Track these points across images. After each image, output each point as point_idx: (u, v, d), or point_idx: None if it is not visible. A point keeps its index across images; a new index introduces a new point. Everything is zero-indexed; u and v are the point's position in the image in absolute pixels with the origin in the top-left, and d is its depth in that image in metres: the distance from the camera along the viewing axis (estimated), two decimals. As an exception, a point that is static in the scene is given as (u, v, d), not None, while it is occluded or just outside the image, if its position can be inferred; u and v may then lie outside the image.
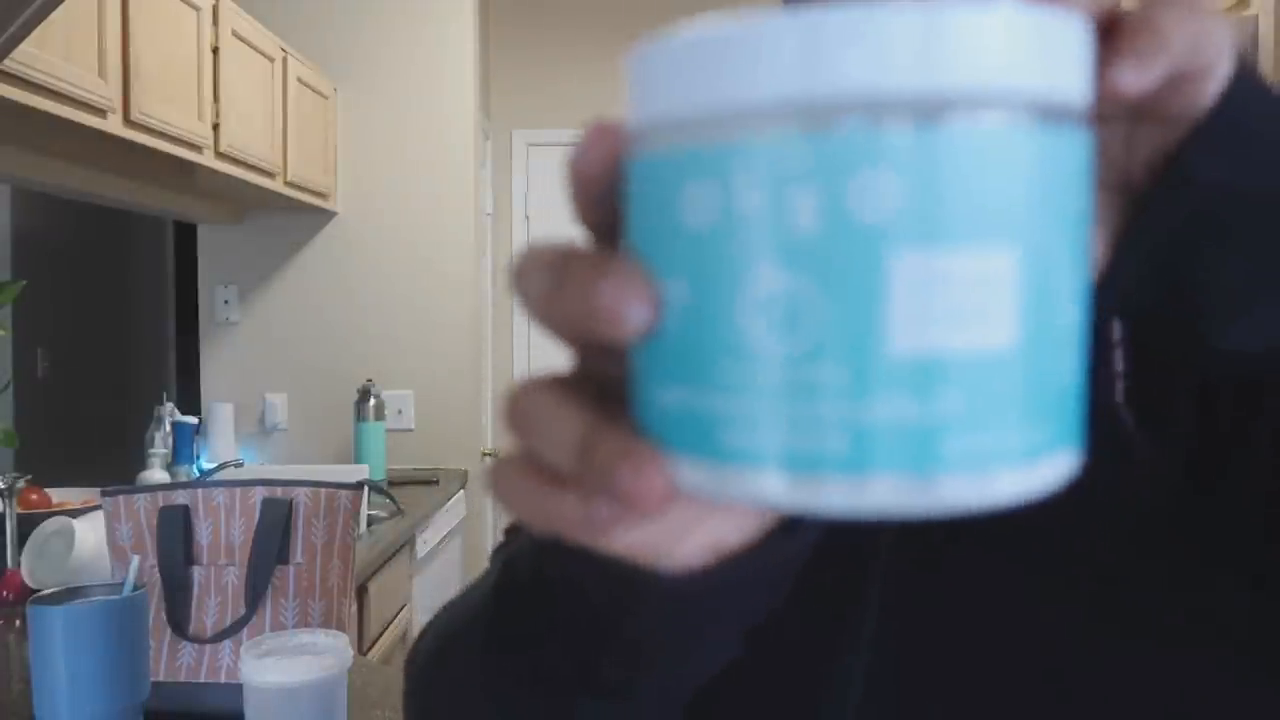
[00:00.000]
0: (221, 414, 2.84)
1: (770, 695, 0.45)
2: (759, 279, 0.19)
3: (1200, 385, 0.43)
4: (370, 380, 2.91)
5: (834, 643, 0.44)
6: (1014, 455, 0.20)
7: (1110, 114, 0.29)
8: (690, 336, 0.21)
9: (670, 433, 0.22)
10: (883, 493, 0.19)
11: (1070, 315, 0.21)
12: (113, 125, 1.72)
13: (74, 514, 1.62)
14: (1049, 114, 0.19)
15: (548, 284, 0.23)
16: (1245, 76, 0.28)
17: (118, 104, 1.72)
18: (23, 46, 1.36)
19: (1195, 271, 0.29)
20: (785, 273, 0.19)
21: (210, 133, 2.11)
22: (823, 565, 0.44)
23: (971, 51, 0.18)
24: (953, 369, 0.19)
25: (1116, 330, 0.45)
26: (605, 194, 0.24)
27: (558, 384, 0.25)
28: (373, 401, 2.86)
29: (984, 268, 0.19)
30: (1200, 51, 0.26)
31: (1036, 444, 0.20)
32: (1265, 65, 1.65)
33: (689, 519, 0.29)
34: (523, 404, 0.25)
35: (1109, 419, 0.44)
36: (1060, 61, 0.19)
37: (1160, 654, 0.40)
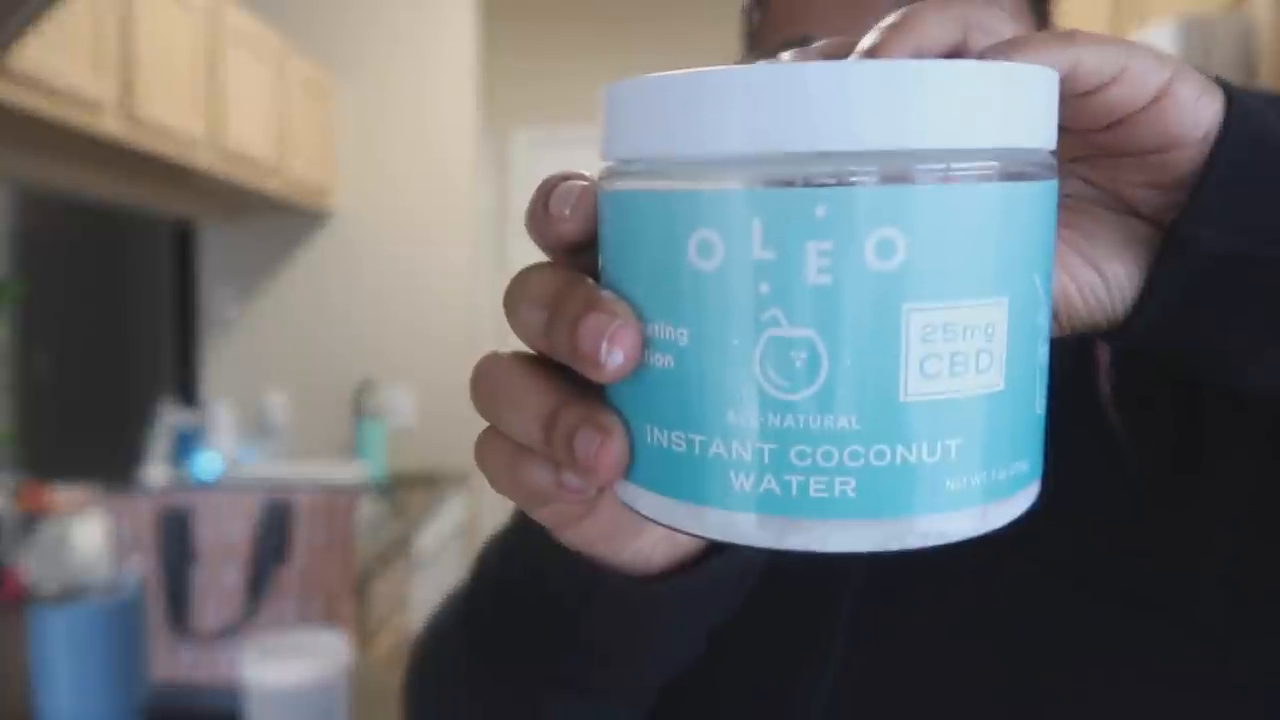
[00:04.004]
0: (221, 413, 2.84)
1: (737, 712, 0.45)
2: (751, 329, 0.19)
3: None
4: (370, 379, 2.91)
5: (801, 660, 0.44)
6: (1001, 490, 0.21)
7: (1082, 154, 0.29)
8: (675, 380, 0.21)
9: (650, 470, 0.22)
10: (880, 533, 0.20)
11: (1042, 354, 0.22)
12: (112, 125, 1.72)
13: (74, 514, 1.62)
14: (1020, 166, 0.20)
15: (537, 321, 0.24)
16: (1245, 118, 0.26)
17: (117, 104, 1.72)
18: (21, 46, 1.36)
19: (1208, 321, 0.28)
20: (787, 324, 0.19)
21: (210, 132, 2.11)
22: (791, 587, 0.44)
23: (941, 111, 0.19)
24: (955, 413, 0.20)
25: None
26: (581, 239, 0.24)
27: (524, 359, 0.26)
28: (373, 400, 2.86)
29: (975, 317, 0.19)
30: (1080, 72, 0.24)
31: (1018, 477, 0.21)
32: (1264, 64, 1.65)
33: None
34: (491, 379, 0.26)
35: (1096, 419, 0.44)
36: (1026, 114, 0.20)
37: (1139, 668, 0.40)
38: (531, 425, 0.24)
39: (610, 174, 0.23)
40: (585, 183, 0.24)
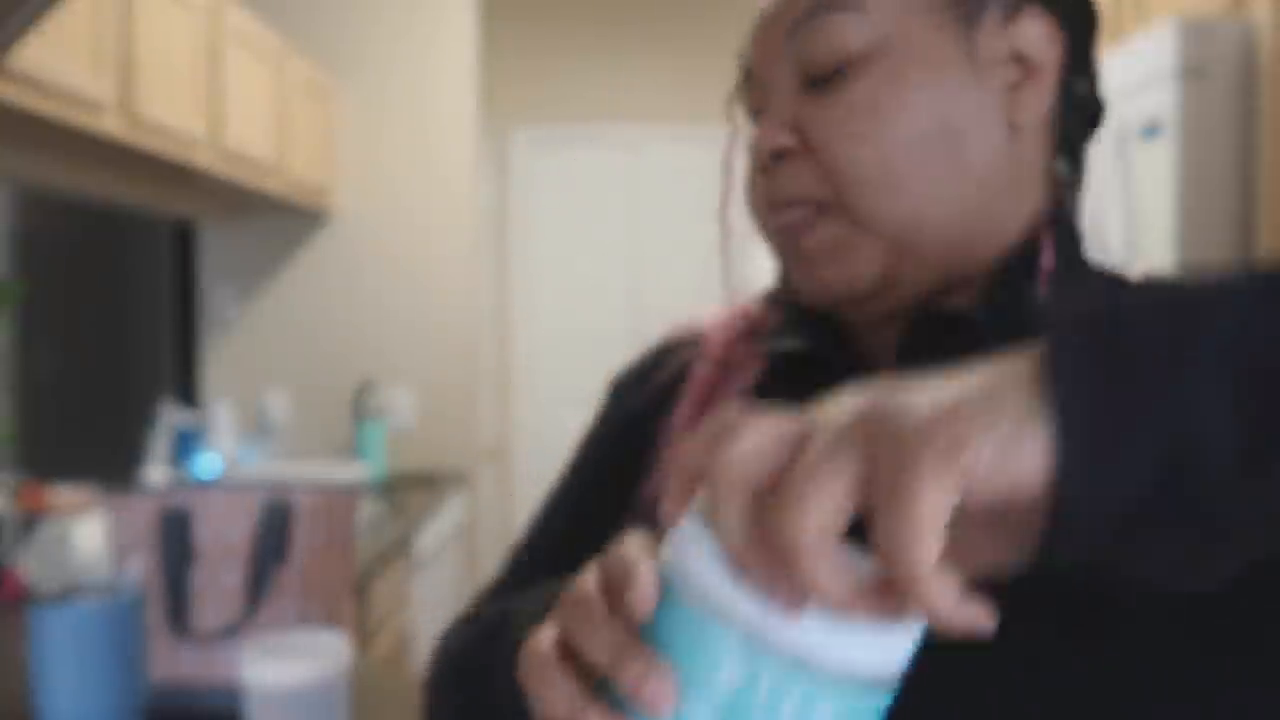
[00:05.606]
0: (222, 413, 2.84)
1: None
2: None
3: None
4: (370, 379, 2.91)
5: None
6: None
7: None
8: None
9: None
10: None
11: None
12: (112, 125, 1.72)
13: (74, 514, 1.62)
14: (876, 683, 0.30)
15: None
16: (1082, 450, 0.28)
17: (117, 104, 1.72)
18: (21, 46, 1.36)
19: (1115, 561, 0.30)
20: None
21: (210, 132, 2.11)
22: None
23: (839, 650, 0.30)
24: None
25: None
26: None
27: (604, 600, 0.34)
28: (373, 400, 2.86)
29: None
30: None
31: None
32: (1264, 64, 1.65)
33: None
34: (582, 604, 0.34)
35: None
36: (884, 654, 0.30)
37: (1131, 674, 0.40)
38: (603, 655, 0.32)
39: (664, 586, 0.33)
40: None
